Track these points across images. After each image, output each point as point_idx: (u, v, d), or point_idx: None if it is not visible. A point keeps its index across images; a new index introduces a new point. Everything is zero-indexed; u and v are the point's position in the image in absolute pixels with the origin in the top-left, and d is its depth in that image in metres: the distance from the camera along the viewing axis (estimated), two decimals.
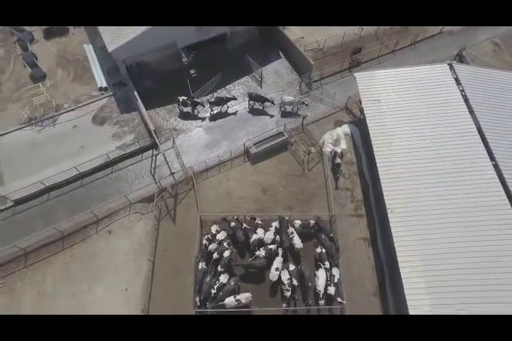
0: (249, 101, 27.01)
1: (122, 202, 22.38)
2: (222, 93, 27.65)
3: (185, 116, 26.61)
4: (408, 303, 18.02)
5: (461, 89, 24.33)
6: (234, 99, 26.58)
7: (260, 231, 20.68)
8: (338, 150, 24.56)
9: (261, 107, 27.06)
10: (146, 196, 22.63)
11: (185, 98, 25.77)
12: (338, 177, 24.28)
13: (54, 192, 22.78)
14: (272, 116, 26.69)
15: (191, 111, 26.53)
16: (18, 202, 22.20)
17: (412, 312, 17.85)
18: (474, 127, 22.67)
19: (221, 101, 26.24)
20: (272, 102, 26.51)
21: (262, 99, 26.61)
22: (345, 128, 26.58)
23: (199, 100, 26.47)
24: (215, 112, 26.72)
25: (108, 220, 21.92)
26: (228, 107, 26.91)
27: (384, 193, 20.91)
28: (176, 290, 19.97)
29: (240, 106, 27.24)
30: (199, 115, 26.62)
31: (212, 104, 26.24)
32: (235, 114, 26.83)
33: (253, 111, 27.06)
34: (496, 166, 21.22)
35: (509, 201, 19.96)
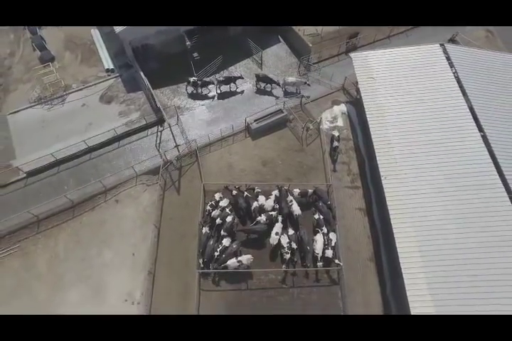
0: (256, 82, 27.80)
1: (129, 174, 23.24)
2: (224, 74, 28.46)
3: (191, 95, 27.36)
4: (403, 270, 18.78)
5: (451, 66, 25.15)
6: (241, 78, 27.31)
7: (261, 198, 21.59)
8: (336, 134, 25.27)
9: (268, 89, 27.82)
10: (152, 168, 23.48)
11: (195, 78, 26.63)
12: (336, 160, 25.07)
13: (64, 165, 23.64)
14: (277, 97, 27.39)
15: (201, 90, 27.21)
16: (30, 173, 23.05)
17: (406, 276, 18.60)
18: (463, 100, 23.52)
19: (229, 80, 27.03)
20: (278, 84, 27.33)
21: (269, 81, 27.43)
22: (342, 107, 27.40)
23: (209, 79, 27.25)
24: (222, 91, 27.58)
25: (115, 191, 22.78)
26: (237, 87, 27.73)
27: (378, 162, 21.75)
28: (181, 254, 20.81)
29: (242, 86, 28.03)
30: (206, 94, 27.33)
31: (220, 82, 27.05)
32: (241, 93, 27.63)
33: (257, 91, 27.78)
34: (483, 137, 22.05)
35: (495, 167, 20.85)
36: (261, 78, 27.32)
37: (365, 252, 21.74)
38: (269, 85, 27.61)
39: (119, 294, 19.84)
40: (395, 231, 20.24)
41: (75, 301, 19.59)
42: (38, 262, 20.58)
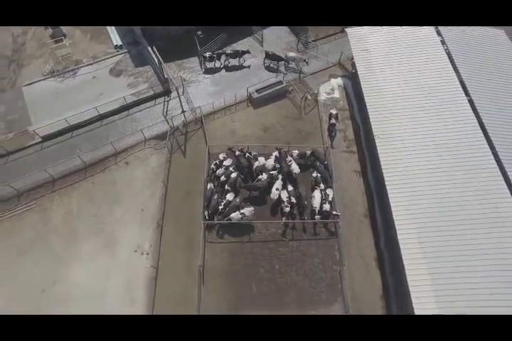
0: (264, 59, 28.56)
1: (138, 139, 24.25)
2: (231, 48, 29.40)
3: (197, 69, 28.37)
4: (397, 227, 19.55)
5: (442, 43, 26.06)
6: (248, 52, 28.12)
7: (261, 159, 22.62)
8: (334, 112, 26.18)
9: (276, 66, 28.54)
10: (159, 134, 24.52)
11: (210, 53, 27.62)
12: (334, 137, 26.04)
13: (77, 131, 24.60)
14: (279, 71, 28.20)
15: (214, 64, 28.18)
16: (45, 138, 24.05)
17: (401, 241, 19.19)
18: (452, 69, 24.61)
19: (237, 54, 27.97)
20: (287, 61, 28.22)
21: (277, 58, 28.27)
22: (339, 80, 28.39)
23: (221, 51, 28.17)
24: (230, 64, 28.55)
25: (125, 154, 23.77)
26: (244, 61, 28.61)
27: (372, 123, 22.81)
28: (187, 210, 21.81)
29: (248, 61, 28.94)
30: (215, 67, 28.32)
31: (228, 55, 28.02)
32: (248, 67, 28.51)
33: (262, 66, 28.62)
34: (470, 101, 23.06)
35: (486, 140, 21.47)
36: (270, 56, 28.17)
37: (360, 209, 22.73)
38: (275, 62, 28.44)
39: (129, 246, 20.85)
40: (388, 188, 21.33)
41: (88, 252, 20.62)
42: (54, 217, 21.62)
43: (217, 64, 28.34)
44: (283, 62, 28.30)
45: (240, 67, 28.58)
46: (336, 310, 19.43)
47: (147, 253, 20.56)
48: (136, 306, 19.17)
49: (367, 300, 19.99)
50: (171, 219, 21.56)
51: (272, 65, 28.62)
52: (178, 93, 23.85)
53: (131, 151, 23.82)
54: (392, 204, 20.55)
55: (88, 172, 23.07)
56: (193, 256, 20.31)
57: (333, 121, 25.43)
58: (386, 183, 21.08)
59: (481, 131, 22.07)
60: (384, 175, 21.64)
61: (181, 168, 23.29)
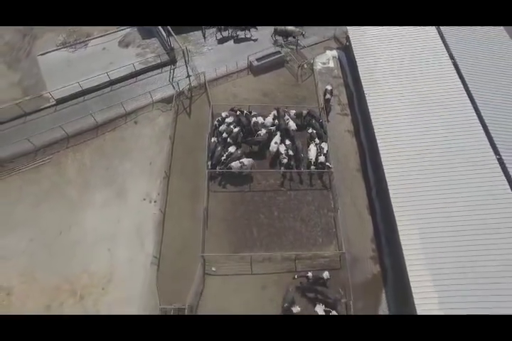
0: (274, 35, 29.45)
1: (146, 101, 25.45)
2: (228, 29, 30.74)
3: (202, 41, 29.63)
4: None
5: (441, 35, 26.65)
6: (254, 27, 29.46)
7: (260, 119, 23.86)
8: (329, 88, 27.34)
9: (283, 42, 29.34)
10: (166, 97, 25.73)
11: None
12: (330, 111, 27.29)
13: (89, 95, 25.87)
14: (278, 44, 29.24)
15: (218, 36, 29.54)
16: (59, 101, 25.29)
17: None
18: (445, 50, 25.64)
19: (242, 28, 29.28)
20: (294, 37, 29.12)
21: (286, 34, 29.19)
22: (334, 52, 29.67)
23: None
24: (239, 37, 29.74)
25: (134, 114, 25.02)
26: (251, 35, 29.74)
27: (362, 82, 24.18)
28: (192, 163, 23.05)
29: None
30: (218, 39, 29.66)
31: (236, 28, 29.33)
32: (255, 40, 29.60)
33: (264, 39, 29.53)
34: (464, 85, 23.91)
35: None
36: (278, 32, 29.13)
37: (352, 164, 23.97)
38: (287, 38, 29.32)
39: (138, 195, 22.07)
40: (379, 142, 22.64)
41: (100, 200, 21.86)
42: (69, 170, 22.84)
43: (222, 36, 29.60)
44: (292, 37, 29.02)
45: (249, 39, 29.69)
46: (331, 250, 20.71)
47: (155, 201, 21.81)
48: (145, 247, 20.47)
49: (359, 242, 21.23)
50: (177, 171, 22.81)
51: (279, 41, 29.47)
52: (184, 54, 25.19)
53: (139, 112, 25.08)
54: (383, 160, 21.90)
55: (100, 131, 24.34)
56: (198, 203, 21.53)
57: (328, 96, 26.54)
58: (378, 141, 22.44)
59: (471, 106, 22.94)
60: (375, 133, 23.01)
61: (186, 127, 24.56)
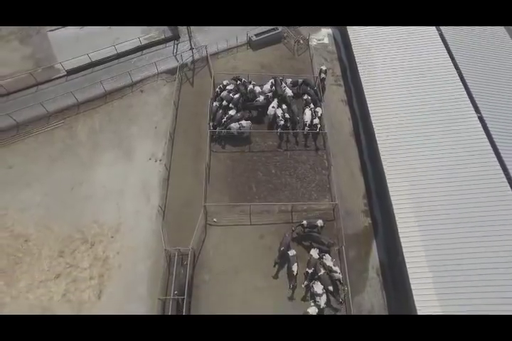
0: None
1: (152, 72, 26.77)
2: None
3: None
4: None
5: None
6: None
7: (258, 88, 25.08)
8: (323, 68, 28.47)
9: None
10: (170, 69, 27.05)
11: None
12: (325, 89, 28.56)
13: (97, 67, 27.20)
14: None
15: None
16: (70, 72, 26.60)
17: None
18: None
19: None
20: None
21: None
22: (329, 30, 31.05)
23: None
24: None
25: (141, 84, 26.33)
26: None
27: (354, 51, 25.50)
28: (195, 127, 24.34)
29: None
30: None
31: None
32: None
33: None
34: (457, 68, 24.81)
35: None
36: None
37: (346, 130, 25.25)
38: None
39: (145, 155, 23.33)
40: (370, 110, 23.88)
41: (109, 160, 23.11)
42: (79, 133, 24.12)
43: None
44: None
45: None
46: (324, 204, 21.94)
47: (160, 160, 23.07)
48: (151, 201, 21.73)
49: (352, 198, 22.49)
50: (181, 134, 24.10)
51: None
52: (188, 30, 26.57)
53: (145, 82, 26.39)
54: (374, 126, 23.12)
55: (108, 99, 25.62)
56: (201, 162, 22.74)
57: (322, 75, 27.54)
58: (369, 109, 23.68)
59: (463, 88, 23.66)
60: (367, 101, 24.28)
61: (189, 95, 25.86)
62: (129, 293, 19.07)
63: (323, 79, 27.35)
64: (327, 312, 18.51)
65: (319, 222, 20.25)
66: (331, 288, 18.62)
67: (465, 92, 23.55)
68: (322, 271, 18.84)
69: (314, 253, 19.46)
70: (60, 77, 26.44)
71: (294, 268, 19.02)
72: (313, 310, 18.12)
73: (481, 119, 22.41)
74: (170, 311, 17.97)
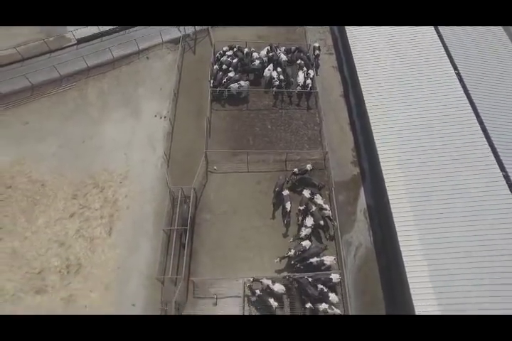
0: None
1: (157, 41, 28.60)
2: None
3: None
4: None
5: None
6: None
7: (255, 54, 26.87)
8: (316, 45, 29.74)
9: None
10: (174, 39, 28.90)
11: None
12: (319, 66, 30.23)
13: (106, 36, 29.07)
14: None
15: None
16: (80, 40, 28.42)
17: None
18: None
19: None
20: None
21: None
22: None
23: None
24: None
25: (146, 51, 28.11)
26: None
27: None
28: (197, 89, 26.04)
29: None
30: None
31: None
32: None
33: None
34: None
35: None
36: None
37: (336, 92, 26.96)
38: None
39: (150, 113, 25.07)
40: (360, 77, 25.36)
41: (117, 117, 24.86)
42: (90, 94, 25.90)
43: None
44: None
45: None
46: (316, 154, 23.60)
47: (165, 117, 24.78)
48: (156, 152, 23.41)
49: (341, 150, 24.15)
50: (185, 95, 25.83)
51: None
52: None
53: (151, 50, 28.20)
54: (363, 88, 24.65)
55: (116, 64, 27.41)
56: (202, 119, 24.36)
57: (317, 52, 29.15)
58: (358, 74, 25.29)
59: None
60: (356, 68, 25.94)
61: (192, 62, 27.66)
62: (137, 230, 20.74)
63: (317, 56, 28.99)
64: (315, 247, 19.94)
65: (308, 166, 21.87)
66: (321, 222, 20.25)
67: (445, 54, 25.22)
68: (313, 208, 20.48)
69: (306, 193, 21.06)
70: (71, 46, 28.27)
71: (288, 205, 20.64)
72: (306, 243, 19.72)
73: (459, 75, 24.04)
74: (174, 242, 19.65)
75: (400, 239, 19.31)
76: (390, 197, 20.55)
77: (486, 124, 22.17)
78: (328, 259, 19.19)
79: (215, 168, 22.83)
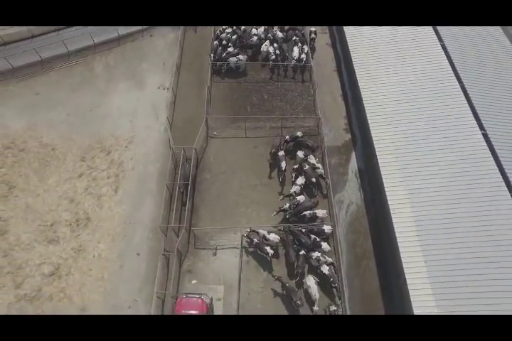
0: None
1: None
2: None
3: None
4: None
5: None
6: None
7: (254, 30, 28.39)
8: (313, 29, 30.94)
9: None
10: None
11: None
12: (315, 49, 31.42)
13: None
14: None
15: None
16: None
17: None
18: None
19: None
20: None
21: None
22: None
23: None
24: None
25: (150, 30, 29.53)
26: None
27: None
28: (198, 63, 27.57)
29: None
30: None
31: None
32: None
33: None
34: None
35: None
36: None
37: (329, 66, 28.43)
38: None
39: (154, 85, 26.50)
40: (350, 49, 26.87)
41: (123, 88, 26.27)
42: (96, 68, 27.31)
43: None
44: None
45: None
46: (310, 121, 24.97)
47: (167, 89, 26.20)
48: (159, 119, 24.77)
49: (334, 118, 25.56)
50: (186, 69, 27.30)
51: None
52: None
53: (154, 28, 29.67)
54: (354, 62, 26.02)
55: (121, 41, 28.82)
56: (203, 90, 25.82)
57: (312, 35, 30.52)
58: (350, 49, 26.65)
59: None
60: (348, 44, 27.35)
61: (193, 39, 29.21)
62: (141, 188, 22.09)
63: (312, 39, 30.21)
64: (308, 201, 21.20)
65: (299, 133, 23.22)
66: (313, 179, 21.57)
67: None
68: (307, 167, 21.80)
69: (300, 154, 22.39)
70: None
71: (283, 165, 21.99)
72: (301, 198, 21.05)
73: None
74: (176, 198, 20.97)
75: (388, 198, 20.48)
76: (379, 160, 21.86)
77: (472, 98, 23.16)
78: (321, 212, 20.52)
79: (215, 133, 24.20)
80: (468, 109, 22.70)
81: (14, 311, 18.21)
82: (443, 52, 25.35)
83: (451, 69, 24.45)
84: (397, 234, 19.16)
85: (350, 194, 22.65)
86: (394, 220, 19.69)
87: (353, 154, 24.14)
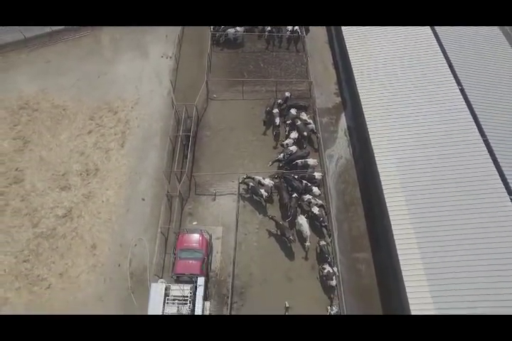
0: None
1: None
2: None
3: None
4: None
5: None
6: None
7: None
8: None
9: None
10: None
11: None
12: (308, 30, 32.65)
13: None
14: None
15: None
16: None
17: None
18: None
19: None
20: None
21: None
22: None
23: None
24: None
25: None
26: None
27: None
28: (199, 36, 29.31)
29: None
30: None
31: None
32: None
33: None
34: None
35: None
36: None
37: (322, 39, 30.41)
38: None
39: (157, 54, 28.39)
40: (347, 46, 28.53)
41: (128, 58, 28.14)
42: (103, 41, 29.15)
43: None
44: None
45: None
46: (302, 86, 26.86)
47: (170, 57, 28.12)
48: (163, 84, 26.64)
49: (325, 84, 27.51)
50: (188, 40, 29.28)
51: None
52: None
53: None
54: (350, 55, 27.11)
55: None
56: (204, 59, 27.76)
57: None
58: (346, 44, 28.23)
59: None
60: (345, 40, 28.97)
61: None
62: (146, 143, 23.93)
63: (307, 30, 31.93)
64: (300, 151, 22.92)
65: (287, 94, 25.19)
66: (305, 133, 23.36)
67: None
68: (299, 122, 23.63)
69: (293, 111, 24.23)
70: None
71: (277, 120, 23.84)
72: (294, 148, 22.80)
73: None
74: (178, 150, 22.78)
75: (375, 151, 22.01)
76: (366, 118, 23.55)
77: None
78: (312, 161, 22.31)
79: (215, 95, 26.08)
80: (454, 82, 24.02)
81: (32, 246, 19.99)
82: (432, 33, 26.89)
83: (438, 46, 25.99)
84: (382, 183, 20.90)
85: (340, 149, 24.47)
86: (380, 170, 21.43)
87: (343, 115, 26.02)
